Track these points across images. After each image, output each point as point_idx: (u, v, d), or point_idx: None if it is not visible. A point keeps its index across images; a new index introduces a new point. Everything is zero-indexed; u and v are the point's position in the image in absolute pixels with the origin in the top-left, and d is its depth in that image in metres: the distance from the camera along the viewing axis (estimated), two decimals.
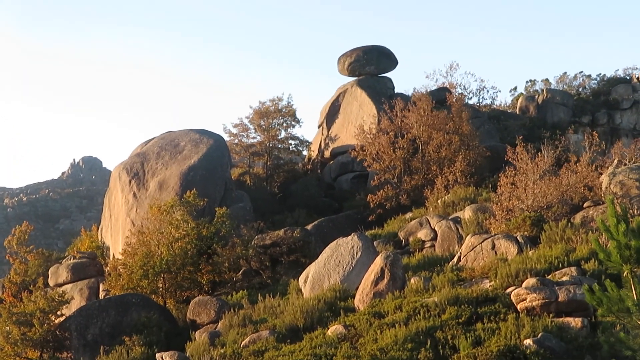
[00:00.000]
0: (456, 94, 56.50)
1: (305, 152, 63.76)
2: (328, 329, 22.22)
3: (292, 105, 59.51)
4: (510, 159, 36.92)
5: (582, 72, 72.97)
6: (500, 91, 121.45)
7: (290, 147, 61.04)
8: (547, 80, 73.35)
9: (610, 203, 14.45)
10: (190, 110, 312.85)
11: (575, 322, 19.26)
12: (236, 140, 59.22)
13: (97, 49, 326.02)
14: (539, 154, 35.54)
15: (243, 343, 23.19)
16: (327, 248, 30.10)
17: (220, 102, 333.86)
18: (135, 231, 39.94)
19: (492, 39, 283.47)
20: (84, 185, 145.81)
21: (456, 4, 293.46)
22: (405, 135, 47.36)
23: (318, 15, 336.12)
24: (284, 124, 59.35)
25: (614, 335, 15.31)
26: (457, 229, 34.11)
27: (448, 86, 61.25)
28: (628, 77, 69.58)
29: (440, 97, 53.48)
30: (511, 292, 21.31)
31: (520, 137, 39.96)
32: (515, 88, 75.48)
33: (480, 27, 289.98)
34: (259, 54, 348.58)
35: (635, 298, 14.22)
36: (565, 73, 72.64)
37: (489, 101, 69.68)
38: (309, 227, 41.84)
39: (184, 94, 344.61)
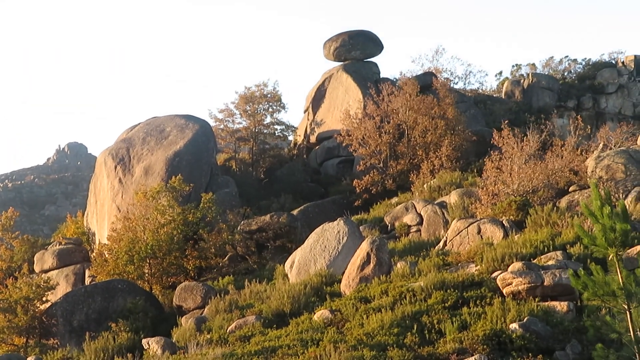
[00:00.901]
0: (442, 78, 56.47)
1: (291, 137, 63.69)
2: (314, 314, 22.21)
3: (278, 90, 59.48)
4: (496, 143, 36.93)
5: (567, 56, 73.01)
6: (487, 75, 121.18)
7: (276, 132, 60.97)
8: (532, 64, 73.31)
9: (594, 187, 14.46)
10: (176, 95, 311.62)
11: (561, 306, 19.32)
12: (222, 126, 59.12)
13: (82, 32, 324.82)
14: (525, 138, 35.55)
15: (229, 328, 23.15)
16: (313, 233, 30.08)
17: (205, 87, 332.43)
18: (120, 217, 39.79)
19: (479, 23, 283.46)
20: (70, 171, 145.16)
21: None
22: (391, 120, 47.33)
23: (303, 0, 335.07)
24: (270, 109, 59.27)
25: (600, 319, 15.36)
26: (443, 213, 34.14)
27: (434, 71, 61.21)
28: (613, 62, 69.65)
29: (426, 82, 53.46)
30: (497, 276, 21.36)
31: (506, 121, 39.95)
32: (501, 72, 75.42)
33: (466, 11, 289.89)
34: (245, 39, 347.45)
35: (620, 281, 14.25)
36: (551, 57, 72.68)
37: (476, 86, 69.77)
38: (295, 212, 41.80)
39: (170, 79, 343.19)
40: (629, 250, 20.38)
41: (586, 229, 15.06)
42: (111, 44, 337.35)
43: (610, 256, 14.47)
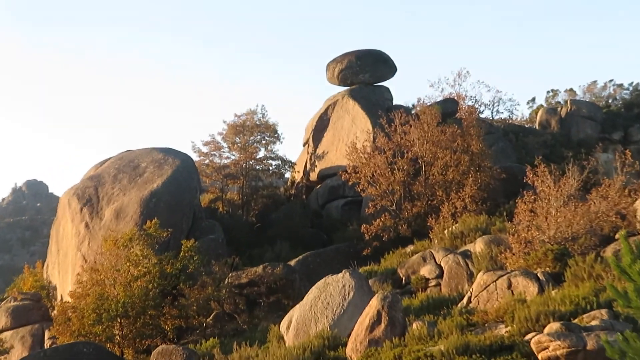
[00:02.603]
0: (465, 105, 56.57)
1: (288, 175, 63.83)
2: None
3: (273, 119, 59.65)
4: (529, 182, 36.87)
5: (612, 80, 73.30)
6: (518, 104, 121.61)
7: (271, 168, 60.99)
8: (571, 90, 73.62)
9: (623, 239, 14.39)
10: (154, 126, 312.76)
11: None
12: (207, 161, 59.31)
13: (50, 56, 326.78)
14: (563, 176, 35.54)
15: None
16: (313, 287, 30.02)
17: (188, 117, 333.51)
18: (87, 268, 39.76)
19: (507, 42, 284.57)
20: (27, 214, 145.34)
21: (462, 4, 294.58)
22: (406, 155, 47.39)
23: (303, 16, 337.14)
24: (263, 141, 59.44)
25: None
26: (467, 264, 34.06)
27: (456, 97, 61.26)
28: None
29: (447, 110, 53.66)
30: (531, 339, 21.23)
31: (540, 157, 39.96)
32: (534, 99, 75.62)
33: (492, 29, 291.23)
34: (237, 57, 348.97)
35: None
36: (594, 82, 72.99)
37: (505, 115, 70.04)
38: (292, 262, 41.80)
39: (147, 107, 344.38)
40: None
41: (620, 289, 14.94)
42: (79, 63, 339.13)
43: None
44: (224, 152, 59.37)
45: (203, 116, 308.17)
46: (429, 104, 54.64)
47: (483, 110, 66.73)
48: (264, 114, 59.39)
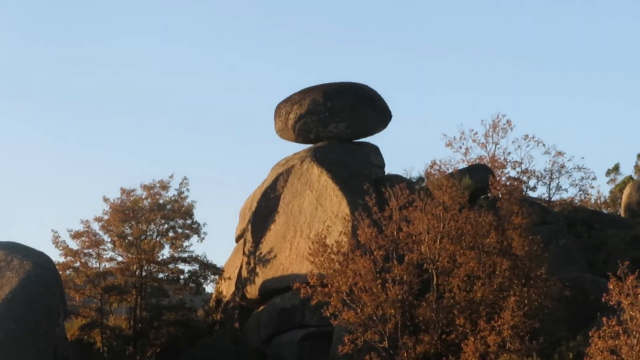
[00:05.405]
0: (505, 177, 56.77)
1: (211, 288, 63.83)
2: None
3: (187, 196, 59.36)
4: (610, 304, 37.24)
5: None
6: (594, 176, 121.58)
7: (183, 277, 61.10)
8: None
9: None
10: None
11: None
12: (77, 264, 59.14)
13: None
14: None
15: None
16: None
17: (50, 189, 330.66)
18: None
19: (573, 78, 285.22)
20: None
21: (495, 16, 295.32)
22: (407, 257, 47.38)
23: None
24: (171, 233, 59.52)
25: None
26: None
27: (489, 162, 61.25)
28: None
29: (475, 184, 53.89)
30: None
31: (628, 262, 40.00)
32: (617, 168, 75.64)
33: (547, 60, 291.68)
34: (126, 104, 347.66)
35: None
36: None
37: (570, 193, 71.33)
38: None
39: None
40: None
41: None
42: None
43: None
44: (104, 249, 59.33)
45: (75, 188, 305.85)
46: (445, 173, 54.59)
47: (535, 186, 67.72)
48: (177, 190, 59.28)
